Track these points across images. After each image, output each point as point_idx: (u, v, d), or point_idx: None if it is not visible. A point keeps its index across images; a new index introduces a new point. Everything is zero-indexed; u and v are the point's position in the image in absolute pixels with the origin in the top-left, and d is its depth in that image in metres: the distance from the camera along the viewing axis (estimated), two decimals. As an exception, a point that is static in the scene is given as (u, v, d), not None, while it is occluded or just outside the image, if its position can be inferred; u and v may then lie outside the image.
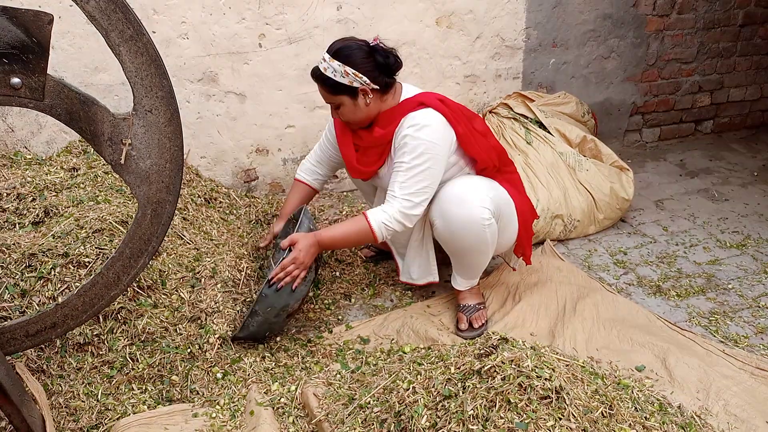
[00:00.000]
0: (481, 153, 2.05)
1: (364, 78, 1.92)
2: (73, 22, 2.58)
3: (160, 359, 1.88)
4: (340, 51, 1.92)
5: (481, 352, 1.49)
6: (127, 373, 1.84)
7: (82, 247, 1.95)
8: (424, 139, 1.92)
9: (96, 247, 1.97)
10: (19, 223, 2.09)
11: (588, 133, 3.08)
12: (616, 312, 2.18)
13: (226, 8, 2.76)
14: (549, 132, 2.93)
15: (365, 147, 2.09)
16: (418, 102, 1.99)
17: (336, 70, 1.91)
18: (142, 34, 1.36)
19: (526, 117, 2.99)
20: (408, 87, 2.08)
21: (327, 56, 1.93)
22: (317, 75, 1.96)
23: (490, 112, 3.03)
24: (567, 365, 1.51)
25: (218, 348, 1.97)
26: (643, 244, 2.74)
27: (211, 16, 2.75)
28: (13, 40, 1.28)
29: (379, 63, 1.94)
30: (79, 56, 2.67)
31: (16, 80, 1.32)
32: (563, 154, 2.84)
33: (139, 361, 1.86)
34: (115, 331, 1.89)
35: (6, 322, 1.66)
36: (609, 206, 2.81)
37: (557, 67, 3.47)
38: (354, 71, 1.91)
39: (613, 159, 2.95)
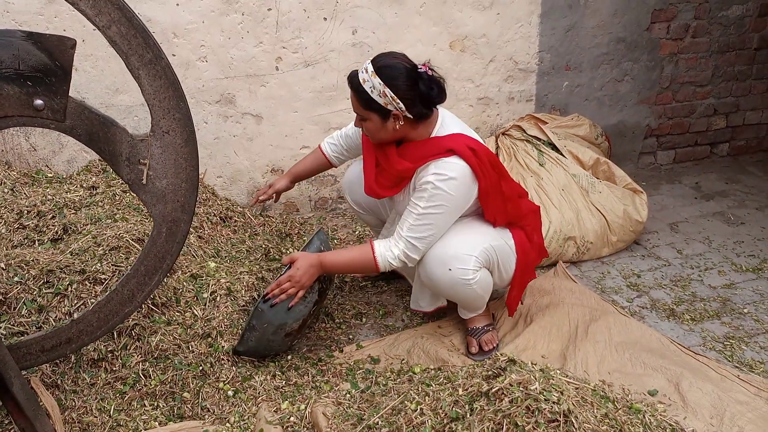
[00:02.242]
0: (493, 211, 2.00)
1: (401, 104, 1.83)
2: (95, 45, 2.66)
3: (173, 376, 1.90)
4: (385, 69, 1.82)
5: (489, 373, 1.49)
6: (140, 389, 1.86)
7: (98, 264, 1.99)
8: (445, 190, 1.87)
9: (112, 265, 2.01)
10: (38, 240, 2.14)
11: (601, 155, 3.08)
12: (628, 335, 2.16)
13: (245, 32, 2.83)
14: (562, 154, 2.94)
15: (386, 169, 2.02)
16: (449, 149, 1.89)
17: (375, 87, 1.81)
18: (161, 58, 1.40)
19: (539, 139, 3.01)
20: (446, 117, 1.99)
21: (371, 69, 1.83)
22: (354, 83, 1.87)
23: (503, 134, 3.05)
24: (576, 388, 1.51)
25: (230, 366, 1.99)
26: (657, 267, 2.72)
27: (230, 39, 2.82)
28: (38, 63, 1.34)
29: (421, 92, 1.85)
30: (101, 78, 2.74)
31: (39, 102, 1.37)
32: (576, 176, 2.85)
33: (152, 377, 1.88)
34: (128, 347, 1.92)
35: (23, 337, 1.70)
36: (622, 228, 2.80)
37: (570, 90, 3.49)
38: (393, 94, 1.81)
39: (627, 181, 2.94)
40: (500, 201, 2.01)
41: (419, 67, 1.87)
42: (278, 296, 1.92)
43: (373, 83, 1.82)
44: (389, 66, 1.83)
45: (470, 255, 1.94)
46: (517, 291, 2.15)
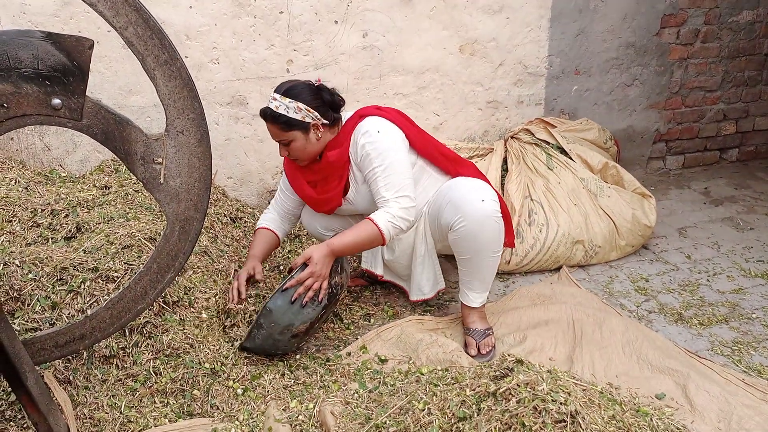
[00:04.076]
0: (427, 148, 2.17)
1: (316, 113, 2.02)
2: (109, 46, 2.70)
3: (183, 374, 1.92)
4: (291, 90, 2.03)
5: (497, 374, 1.50)
6: (151, 386, 1.88)
7: (111, 262, 2.02)
8: (380, 140, 2.04)
9: (125, 263, 2.03)
10: (52, 238, 2.17)
11: (610, 159, 3.09)
12: (635, 338, 2.16)
13: (256, 35, 2.86)
14: (571, 158, 2.95)
15: (321, 178, 2.17)
16: (358, 116, 2.11)
17: (288, 107, 2.00)
18: (176, 59, 1.43)
19: (547, 143, 3.02)
20: (347, 113, 2.18)
21: (277, 95, 2.02)
22: (269, 114, 2.03)
23: (512, 137, 3.06)
24: (584, 390, 1.52)
25: (240, 364, 2.01)
26: (665, 272, 2.72)
27: (242, 42, 2.85)
28: (56, 63, 1.36)
29: (326, 99, 2.06)
30: (115, 79, 2.78)
31: (57, 101, 1.39)
32: (584, 180, 2.85)
33: (163, 375, 1.90)
34: (140, 344, 1.94)
35: (36, 333, 1.72)
36: (631, 233, 2.80)
37: (580, 94, 3.50)
38: (306, 107, 2.01)
39: (635, 186, 2.95)
40: (442, 147, 2.22)
41: (314, 82, 2.09)
42: (303, 294, 1.94)
43: (285, 104, 2.01)
44: (292, 87, 2.04)
45: (490, 191, 2.08)
46: (509, 227, 2.21)
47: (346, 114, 2.17)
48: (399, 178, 2.03)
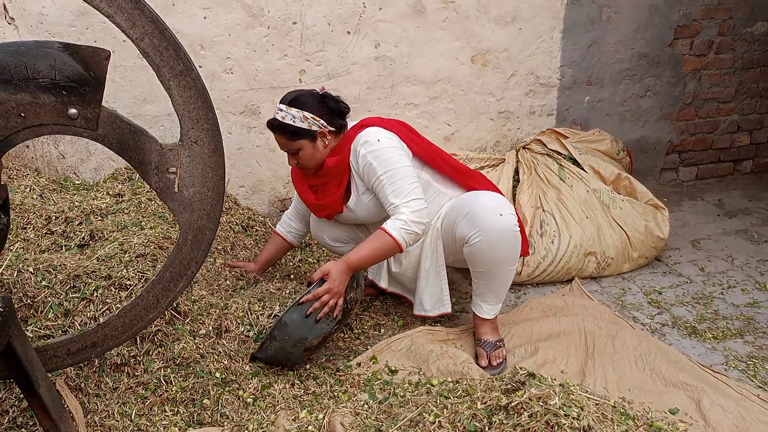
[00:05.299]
0: (432, 157, 2.17)
1: (322, 120, 2.05)
2: (125, 56, 2.73)
3: (194, 383, 1.92)
4: (296, 99, 2.06)
5: (508, 387, 1.49)
6: (161, 395, 1.88)
7: (124, 271, 2.03)
8: (382, 146, 2.04)
9: (138, 271, 2.04)
10: (65, 246, 2.19)
11: (622, 170, 3.07)
12: (648, 352, 2.14)
13: (269, 45, 2.88)
14: (583, 169, 2.93)
15: (321, 184, 2.19)
16: (359, 126, 2.12)
17: (295, 116, 2.03)
18: (191, 70, 1.44)
19: (559, 153, 3.01)
20: (351, 123, 2.19)
21: (283, 106, 2.05)
22: (276, 125, 2.07)
23: (524, 147, 3.06)
24: (597, 404, 1.50)
25: (250, 374, 2.01)
26: (678, 284, 2.69)
27: (255, 52, 2.87)
28: (73, 74, 1.37)
29: (332, 107, 2.08)
30: (129, 88, 2.81)
31: (73, 111, 1.40)
32: (597, 191, 2.84)
33: (173, 383, 1.90)
34: (151, 353, 1.95)
35: (49, 340, 1.73)
36: (643, 244, 2.78)
37: (592, 105, 3.49)
38: (312, 115, 2.04)
39: (648, 197, 2.93)
40: (448, 158, 2.22)
41: (318, 91, 2.12)
42: (320, 309, 1.94)
43: (292, 114, 2.04)
44: (297, 97, 2.07)
45: (506, 200, 2.09)
46: (524, 238, 2.21)
47: (351, 122, 2.18)
48: (405, 182, 2.03)
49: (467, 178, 2.22)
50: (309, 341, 1.96)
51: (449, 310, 2.25)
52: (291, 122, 2.04)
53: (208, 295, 2.21)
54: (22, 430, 1.72)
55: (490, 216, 2.01)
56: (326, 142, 2.09)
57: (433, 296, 2.24)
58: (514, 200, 2.83)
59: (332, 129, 2.09)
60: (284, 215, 2.50)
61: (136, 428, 1.79)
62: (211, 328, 2.06)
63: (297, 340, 1.95)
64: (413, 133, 2.20)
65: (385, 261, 2.30)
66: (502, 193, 2.23)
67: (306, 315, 1.93)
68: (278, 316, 2.09)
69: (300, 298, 1.94)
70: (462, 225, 2.06)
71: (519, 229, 2.05)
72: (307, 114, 2.03)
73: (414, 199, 2.02)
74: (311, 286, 1.97)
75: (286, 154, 2.15)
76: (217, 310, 2.13)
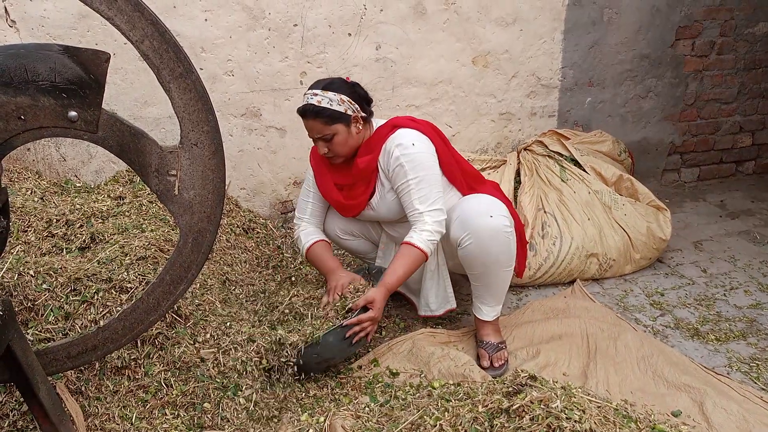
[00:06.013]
0: (450, 168, 2.16)
1: (356, 105, 2.05)
2: (125, 58, 2.73)
3: (194, 387, 1.91)
4: (329, 85, 2.04)
5: (510, 390, 1.48)
6: (161, 398, 1.88)
7: (125, 273, 2.02)
8: (415, 152, 2.04)
9: (138, 274, 2.04)
10: (66, 249, 2.18)
11: (624, 171, 3.06)
12: (650, 354, 2.13)
13: (270, 47, 2.88)
14: (584, 170, 2.92)
15: (349, 183, 2.17)
16: (392, 125, 2.11)
17: (332, 100, 2.01)
18: (191, 72, 1.43)
19: (561, 155, 3.00)
20: (377, 120, 2.19)
21: (318, 90, 2.03)
22: (311, 110, 2.02)
23: (525, 149, 3.05)
24: (599, 407, 1.49)
25: (251, 378, 2.00)
26: (680, 286, 2.68)
27: (256, 54, 2.87)
28: (73, 76, 1.37)
29: (361, 95, 2.09)
30: (130, 91, 2.80)
31: (73, 113, 1.40)
32: (599, 192, 2.83)
33: (174, 387, 1.90)
34: (151, 356, 1.94)
35: (49, 344, 1.73)
36: (646, 246, 2.77)
37: (593, 106, 3.48)
38: (348, 98, 2.03)
39: (650, 198, 2.92)
40: (463, 165, 2.22)
41: (345, 79, 2.12)
42: (359, 333, 1.99)
43: (329, 98, 2.01)
44: (330, 82, 2.06)
45: (502, 207, 2.07)
46: (521, 251, 2.23)
47: (377, 121, 2.18)
48: (432, 190, 2.05)
49: (476, 185, 2.23)
50: (334, 360, 2.02)
51: (454, 305, 2.28)
52: (328, 105, 2.01)
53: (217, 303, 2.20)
54: (23, 433, 1.72)
55: (479, 218, 2.02)
56: (359, 128, 2.08)
57: (438, 296, 2.27)
58: (515, 202, 2.82)
59: (364, 115, 2.09)
60: (307, 227, 2.31)
61: (136, 431, 1.79)
62: (209, 336, 2.05)
63: (324, 359, 1.99)
64: (441, 136, 2.19)
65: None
66: (508, 202, 2.22)
67: (344, 338, 1.96)
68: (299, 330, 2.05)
69: (343, 322, 1.97)
70: (453, 228, 2.07)
71: (512, 230, 2.05)
72: (344, 97, 2.02)
73: (437, 209, 2.04)
74: (352, 312, 2.01)
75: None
76: (220, 319, 2.12)
